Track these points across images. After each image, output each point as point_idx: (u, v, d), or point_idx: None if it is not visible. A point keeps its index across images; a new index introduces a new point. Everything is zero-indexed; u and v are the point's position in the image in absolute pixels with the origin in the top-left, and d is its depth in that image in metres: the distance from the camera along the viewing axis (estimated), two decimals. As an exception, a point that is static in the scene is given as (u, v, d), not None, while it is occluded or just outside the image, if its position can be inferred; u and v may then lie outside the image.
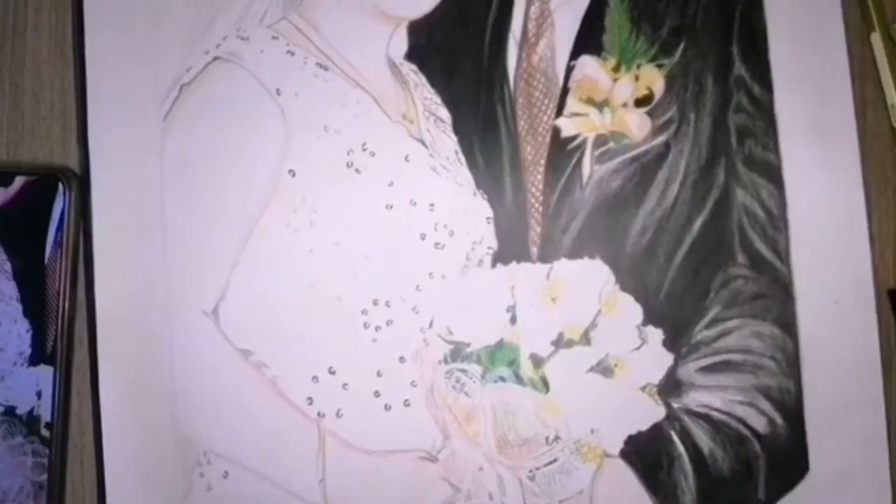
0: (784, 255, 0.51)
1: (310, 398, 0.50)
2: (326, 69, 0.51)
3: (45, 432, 0.50)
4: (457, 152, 0.51)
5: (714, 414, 0.50)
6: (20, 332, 0.50)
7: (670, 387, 0.50)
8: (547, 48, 0.52)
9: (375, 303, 0.51)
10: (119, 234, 0.51)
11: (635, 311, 0.51)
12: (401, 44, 0.51)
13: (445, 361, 0.51)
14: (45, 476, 0.50)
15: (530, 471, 0.50)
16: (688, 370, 0.50)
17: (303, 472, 0.50)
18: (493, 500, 0.50)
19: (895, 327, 0.51)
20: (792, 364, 0.50)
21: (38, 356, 0.50)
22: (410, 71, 0.51)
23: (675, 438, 0.50)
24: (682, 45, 0.52)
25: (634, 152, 0.51)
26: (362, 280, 0.51)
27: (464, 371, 0.51)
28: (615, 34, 0.52)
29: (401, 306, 0.51)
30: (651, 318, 0.51)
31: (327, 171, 0.51)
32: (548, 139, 0.51)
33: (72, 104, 0.52)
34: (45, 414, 0.50)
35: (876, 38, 0.51)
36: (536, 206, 0.51)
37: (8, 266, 0.50)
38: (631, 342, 0.50)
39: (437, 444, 0.50)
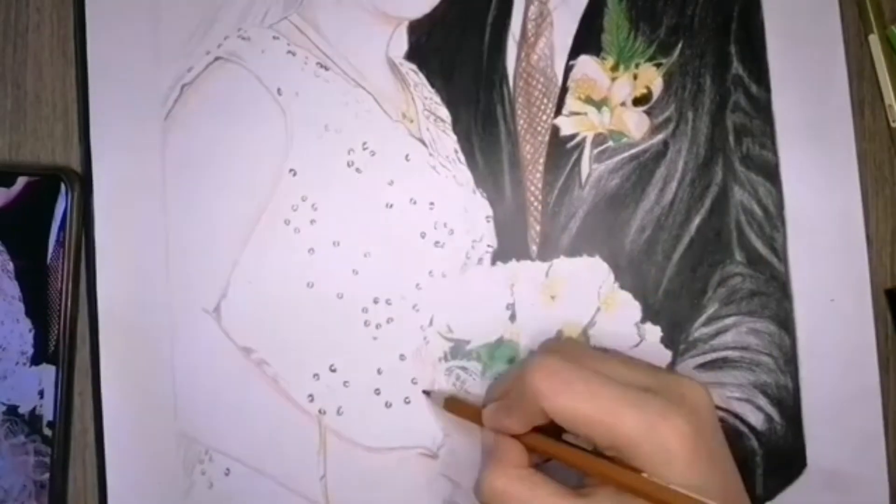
0: (781, 253, 0.51)
1: (311, 395, 0.51)
2: (327, 69, 0.52)
3: (47, 431, 0.50)
4: (456, 151, 0.51)
5: (712, 410, 0.50)
6: (22, 332, 0.50)
7: (669, 384, 0.50)
8: (546, 48, 0.52)
9: (376, 301, 0.51)
10: (121, 234, 0.51)
11: (634, 308, 0.51)
12: (401, 44, 0.52)
13: (445, 359, 0.51)
14: (46, 475, 0.50)
15: (530, 467, 0.51)
16: (686, 367, 0.50)
17: (304, 469, 0.50)
18: (492, 497, 0.50)
19: (892, 326, 0.51)
20: (789, 361, 0.50)
21: (40, 355, 0.50)
22: (410, 70, 0.52)
23: (674, 435, 0.50)
24: (680, 45, 0.52)
25: (633, 151, 0.51)
26: (363, 278, 0.51)
27: (464, 368, 0.51)
28: (613, 34, 0.52)
29: (401, 304, 0.51)
30: (649, 315, 0.51)
31: (328, 170, 0.51)
32: (547, 138, 0.51)
33: (74, 104, 0.52)
34: (48, 413, 0.50)
35: (874, 40, 0.52)
36: (536, 204, 0.51)
37: (10, 266, 0.50)
38: (629, 339, 0.50)
39: (437, 441, 0.51)
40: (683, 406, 0.42)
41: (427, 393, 0.50)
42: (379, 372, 0.51)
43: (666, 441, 0.41)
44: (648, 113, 0.52)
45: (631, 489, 0.41)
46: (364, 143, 0.51)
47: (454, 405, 0.49)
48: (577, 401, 0.42)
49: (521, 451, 0.44)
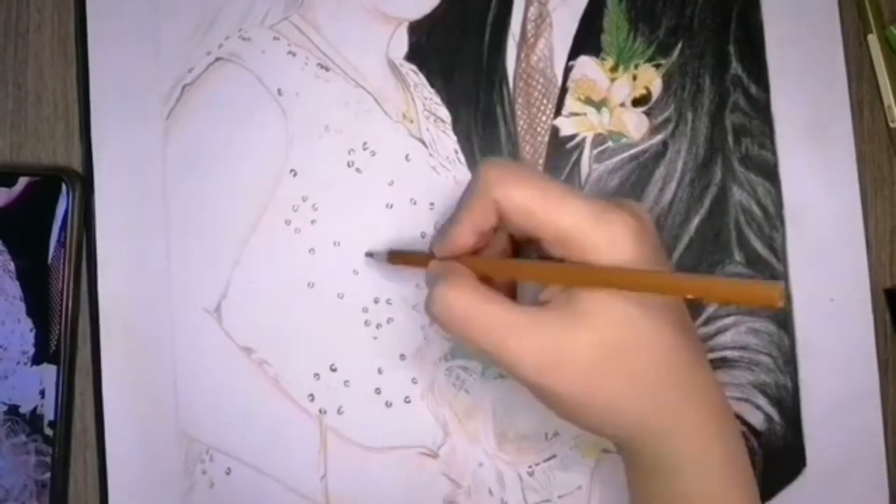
0: (781, 253, 0.51)
1: (311, 395, 0.51)
2: (327, 69, 0.52)
3: (48, 431, 0.50)
4: (456, 151, 0.51)
5: (711, 410, 0.50)
6: (23, 332, 0.50)
7: (668, 383, 0.50)
8: (545, 48, 0.52)
9: (376, 301, 0.51)
10: (122, 234, 0.51)
11: (633, 308, 0.51)
12: (401, 44, 0.52)
13: (445, 359, 0.51)
14: (47, 475, 0.50)
15: (530, 467, 0.50)
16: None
17: (304, 468, 0.50)
18: (493, 496, 0.50)
19: (892, 325, 0.51)
20: (788, 361, 0.51)
21: (41, 355, 0.50)
22: (410, 71, 0.52)
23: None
24: (679, 46, 0.52)
25: (632, 151, 0.51)
26: (363, 278, 0.51)
27: (464, 368, 0.51)
28: (613, 35, 0.52)
29: (401, 304, 0.51)
30: (649, 315, 0.51)
31: (328, 170, 0.51)
32: (546, 138, 0.51)
33: (75, 105, 0.52)
34: (49, 413, 0.50)
35: (873, 40, 0.52)
36: (535, 204, 0.51)
37: (11, 266, 0.50)
38: (629, 339, 0.50)
39: (437, 441, 0.51)
40: (633, 212, 0.42)
41: (370, 254, 0.50)
42: (379, 372, 0.51)
43: (612, 226, 0.40)
44: (648, 113, 0.52)
45: (579, 280, 0.41)
46: (364, 144, 0.51)
47: (399, 257, 0.49)
48: (525, 190, 0.41)
49: (470, 273, 0.44)
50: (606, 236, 0.40)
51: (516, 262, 0.44)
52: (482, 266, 0.44)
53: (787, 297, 0.51)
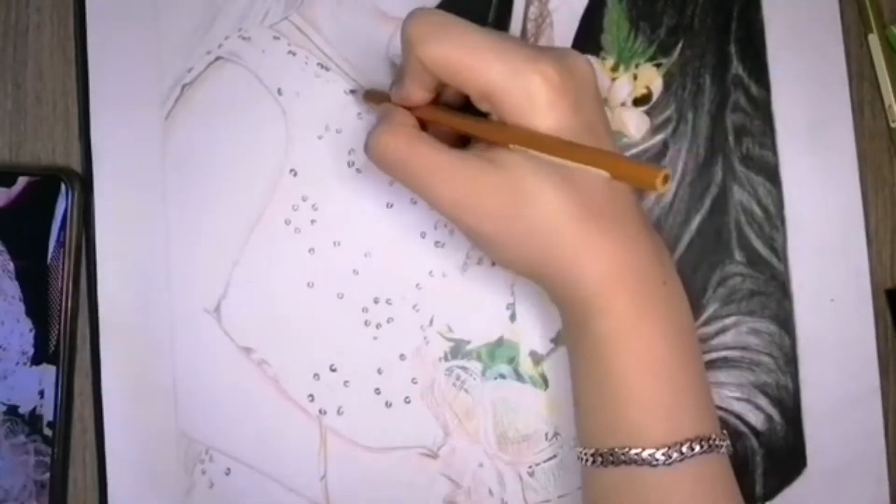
0: (781, 253, 0.51)
1: (311, 395, 0.51)
2: (327, 69, 0.52)
3: (47, 431, 0.50)
4: (457, 151, 0.51)
5: (712, 410, 0.50)
6: (23, 332, 0.50)
7: (669, 384, 0.50)
8: (546, 48, 0.52)
9: (376, 301, 0.51)
10: (121, 234, 0.51)
11: (634, 308, 0.51)
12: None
13: (446, 359, 0.51)
14: (47, 475, 0.50)
15: (530, 467, 0.50)
16: (686, 367, 0.50)
17: (304, 468, 0.50)
18: (493, 496, 0.50)
19: (892, 326, 0.51)
20: (789, 361, 0.50)
21: (40, 355, 0.50)
22: (410, 70, 0.52)
23: (674, 435, 0.50)
24: (680, 45, 0.52)
25: (633, 151, 0.51)
26: (363, 278, 0.51)
27: (464, 368, 0.51)
28: (613, 34, 0.52)
29: (401, 304, 0.51)
30: (650, 315, 0.51)
31: (328, 170, 0.51)
32: (547, 138, 0.51)
33: (74, 104, 0.52)
34: (48, 413, 0.50)
35: (873, 40, 0.52)
36: (536, 204, 0.51)
37: (11, 266, 0.50)
38: (630, 339, 0.50)
39: (437, 441, 0.51)
40: (560, 63, 0.42)
41: (353, 91, 0.51)
42: (379, 372, 0.51)
43: (529, 85, 0.41)
44: (648, 113, 0.51)
45: (492, 138, 0.43)
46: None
47: (372, 96, 0.50)
48: (447, 46, 0.42)
49: (409, 116, 0.45)
50: (523, 94, 0.41)
51: (445, 112, 0.46)
52: (425, 114, 0.46)
53: (789, 298, 0.50)
